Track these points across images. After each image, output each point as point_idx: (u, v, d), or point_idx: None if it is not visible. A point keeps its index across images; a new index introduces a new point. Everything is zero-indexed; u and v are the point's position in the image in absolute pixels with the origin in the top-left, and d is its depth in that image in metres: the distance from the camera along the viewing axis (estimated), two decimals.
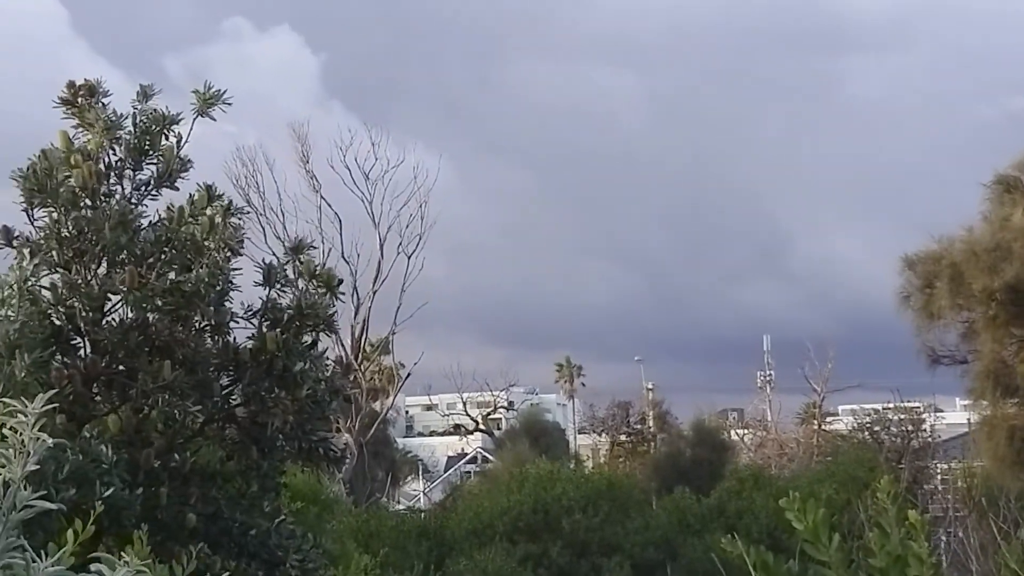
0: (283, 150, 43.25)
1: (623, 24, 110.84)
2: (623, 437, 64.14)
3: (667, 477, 41.60)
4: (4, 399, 3.72)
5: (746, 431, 60.47)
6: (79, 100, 10.66)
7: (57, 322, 10.01)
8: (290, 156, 42.86)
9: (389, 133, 44.06)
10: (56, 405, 3.78)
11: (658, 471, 46.36)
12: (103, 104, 10.74)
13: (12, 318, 8.46)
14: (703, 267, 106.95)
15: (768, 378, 66.67)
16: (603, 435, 65.51)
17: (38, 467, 3.57)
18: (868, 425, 44.80)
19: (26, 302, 8.88)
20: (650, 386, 70.82)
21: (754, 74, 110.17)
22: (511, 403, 76.96)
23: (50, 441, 3.68)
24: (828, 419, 58.88)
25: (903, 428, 42.37)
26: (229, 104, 10.79)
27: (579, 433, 72.06)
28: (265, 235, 38.58)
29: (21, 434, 3.61)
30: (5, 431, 3.63)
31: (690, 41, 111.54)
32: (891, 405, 44.28)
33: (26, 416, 3.63)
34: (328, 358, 12.50)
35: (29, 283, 8.87)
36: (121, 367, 10.46)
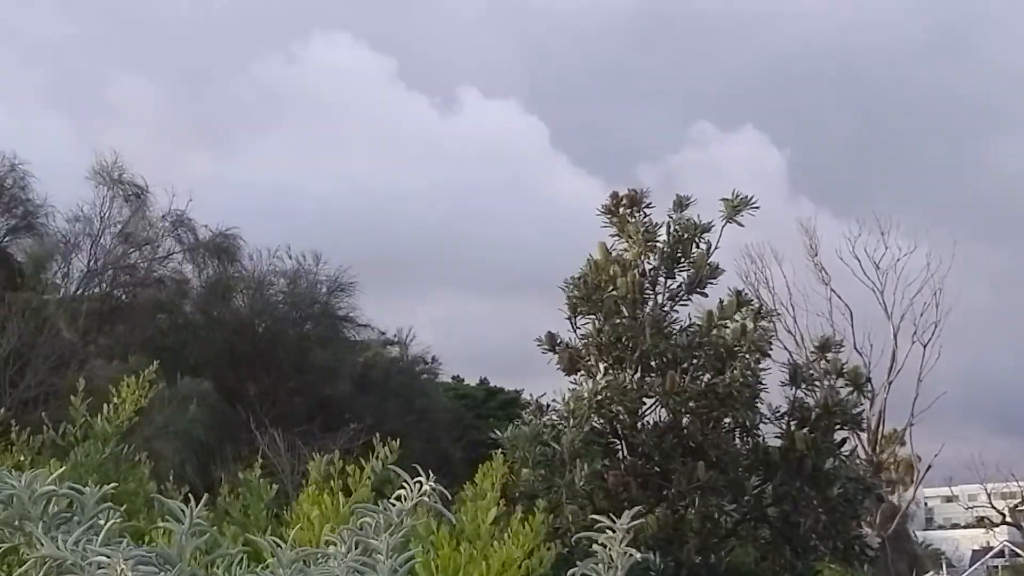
0: (775, 246, 42.84)
1: None
2: None
3: None
4: (575, 510, 3.95)
5: None
6: (620, 210, 11.23)
7: (597, 426, 10.51)
8: (784, 251, 42.45)
9: (870, 221, 42.75)
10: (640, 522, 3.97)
11: None
12: (645, 214, 11.25)
13: (577, 428, 8.97)
14: None
15: None
16: None
17: None
18: None
19: (593, 413, 9.39)
20: None
21: None
22: None
23: (638, 556, 3.81)
24: None
25: None
26: (757, 208, 11.03)
27: None
28: (776, 329, 38.40)
29: (610, 550, 3.76)
30: (595, 547, 3.83)
31: None
32: None
33: (615, 532, 3.79)
34: (858, 456, 12.36)
35: (600, 396, 9.38)
36: (656, 468, 10.82)
